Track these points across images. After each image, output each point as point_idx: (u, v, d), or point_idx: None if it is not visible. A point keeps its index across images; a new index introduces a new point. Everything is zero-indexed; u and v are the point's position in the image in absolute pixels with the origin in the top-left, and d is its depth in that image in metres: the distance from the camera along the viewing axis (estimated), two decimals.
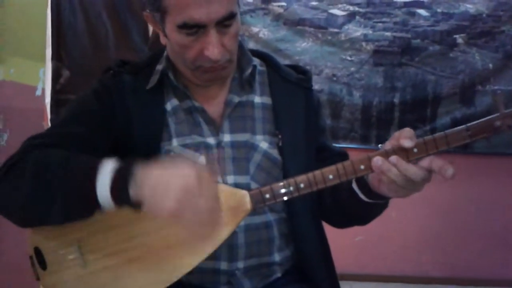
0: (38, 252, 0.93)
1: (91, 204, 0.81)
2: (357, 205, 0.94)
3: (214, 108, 1.02)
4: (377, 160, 0.82)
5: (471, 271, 2.70)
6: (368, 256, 2.73)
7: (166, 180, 0.75)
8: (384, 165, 0.82)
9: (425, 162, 0.82)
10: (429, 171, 0.82)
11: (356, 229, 1.11)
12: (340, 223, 1.09)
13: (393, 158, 0.82)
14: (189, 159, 0.78)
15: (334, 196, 1.00)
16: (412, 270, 2.71)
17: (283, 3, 2.54)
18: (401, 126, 2.55)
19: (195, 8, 0.87)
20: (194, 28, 0.90)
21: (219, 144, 0.99)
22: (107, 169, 0.79)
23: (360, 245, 2.71)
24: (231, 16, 0.91)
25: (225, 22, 0.91)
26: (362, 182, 0.90)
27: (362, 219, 1.03)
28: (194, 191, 0.75)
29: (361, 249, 2.72)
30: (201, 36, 0.91)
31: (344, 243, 2.47)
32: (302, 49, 2.56)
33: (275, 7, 2.54)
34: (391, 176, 0.82)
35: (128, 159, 0.81)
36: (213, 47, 0.91)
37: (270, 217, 1.00)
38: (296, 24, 2.54)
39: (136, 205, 0.78)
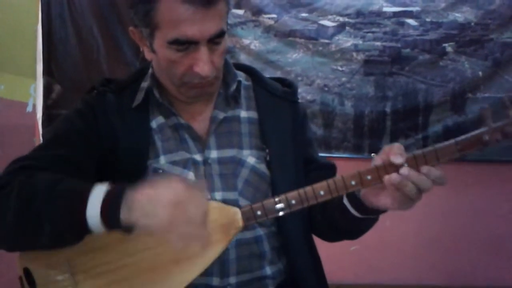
0: (27, 272, 0.92)
1: (81, 229, 0.80)
2: (348, 221, 0.94)
3: (200, 124, 1.02)
4: (395, 178, 0.81)
5: (467, 279, 2.70)
6: (363, 266, 2.72)
7: (155, 197, 0.74)
8: (402, 182, 0.81)
9: (424, 170, 0.82)
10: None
11: None
12: (331, 237, 1.08)
13: (405, 170, 0.81)
14: (176, 176, 0.77)
15: (325, 212, 1.00)
16: (408, 279, 2.71)
17: (274, 15, 2.56)
18: (393, 135, 2.56)
19: (188, 25, 0.88)
20: (185, 44, 0.90)
21: (205, 161, 0.99)
22: (96, 194, 0.78)
23: (356, 255, 2.70)
24: (222, 34, 0.92)
25: (215, 39, 0.91)
26: (353, 198, 0.90)
27: (353, 234, 1.03)
28: (183, 203, 0.74)
29: (356, 259, 2.71)
30: (191, 52, 0.91)
31: (339, 254, 2.47)
32: (293, 60, 2.57)
33: (266, 19, 2.55)
34: (406, 191, 0.81)
35: (118, 183, 0.80)
36: (204, 64, 0.91)
37: (260, 231, 1.00)
38: (286, 35, 2.56)
39: (127, 229, 0.77)
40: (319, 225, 1.04)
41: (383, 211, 0.89)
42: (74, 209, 0.79)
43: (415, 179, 0.81)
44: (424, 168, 0.82)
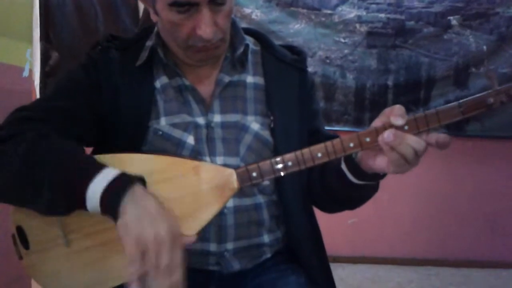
0: (20, 231, 0.91)
1: (77, 206, 0.80)
2: (347, 188, 0.92)
3: (205, 87, 1.00)
4: (388, 136, 0.77)
5: (462, 254, 2.72)
6: (360, 238, 2.74)
7: (153, 216, 0.74)
8: (396, 140, 0.77)
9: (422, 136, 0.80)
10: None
11: (348, 212, 1.10)
12: (330, 208, 1.07)
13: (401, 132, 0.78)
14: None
15: (323, 181, 0.99)
16: (404, 252, 2.73)
17: None
18: None
19: None
20: (185, 6, 0.87)
21: (208, 124, 0.97)
22: (106, 177, 0.77)
23: (353, 228, 2.71)
24: None
25: (218, 0, 0.88)
26: (351, 164, 0.88)
27: (352, 202, 1.01)
28: (164, 244, 0.73)
29: (354, 232, 2.72)
30: (194, 14, 0.88)
31: (337, 226, 2.48)
32: (295, 31, 2.53)
33: None
34: (401, 150, 0.78)
35: (124, 173, 0.79)
36: (206, 26, 0.88)
37: (260, 199, 0.99)
38: (289, 5, 2.51)
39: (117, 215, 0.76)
40: (318, 195, 1.02)
41: (381, 177, 0.87)
42: (75, 188, 0.79)
43: (409, 139, 0.78)
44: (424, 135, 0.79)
